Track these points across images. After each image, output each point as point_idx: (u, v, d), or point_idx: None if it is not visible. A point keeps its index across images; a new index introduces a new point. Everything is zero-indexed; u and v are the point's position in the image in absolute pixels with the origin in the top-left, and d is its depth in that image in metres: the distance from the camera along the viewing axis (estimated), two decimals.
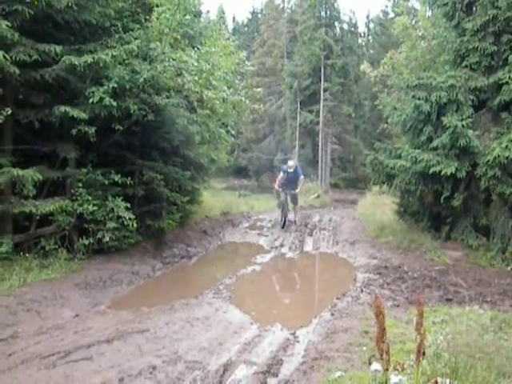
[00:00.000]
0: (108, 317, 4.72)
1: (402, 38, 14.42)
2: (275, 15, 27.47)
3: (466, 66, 7.89)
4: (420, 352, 2.04)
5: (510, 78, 7.13)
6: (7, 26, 5.16)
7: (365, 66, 19.01)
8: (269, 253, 8.50)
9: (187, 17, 7.85)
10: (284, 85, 23.76)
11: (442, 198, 7.60)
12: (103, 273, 6.05)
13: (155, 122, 7.30)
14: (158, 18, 7.26)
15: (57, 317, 4.64)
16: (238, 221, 10.78)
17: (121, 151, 7.36)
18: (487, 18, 7.49)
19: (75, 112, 5.81)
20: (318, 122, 21.22)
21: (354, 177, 23.63)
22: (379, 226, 9.11)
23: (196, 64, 7.48)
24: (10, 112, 5.47)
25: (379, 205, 11.53)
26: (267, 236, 9.64)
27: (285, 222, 10.04)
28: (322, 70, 21.27)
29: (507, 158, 6.67)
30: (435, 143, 7.62)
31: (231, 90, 9.30)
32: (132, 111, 6.49)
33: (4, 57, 5.14)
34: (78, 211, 6.30)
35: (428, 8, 13.13)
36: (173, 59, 7.04)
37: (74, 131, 6.07)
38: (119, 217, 6.41)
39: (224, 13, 28.56)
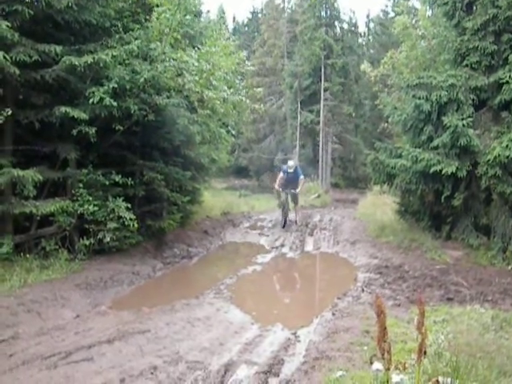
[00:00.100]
0: (109, 317, 4.72)
1: (402, 38, 14.41)
2: (275, 15, 27.47)
3: (467, 66, 7.89)
4: (421, 351, 2.04)
5: (510, 77, 7.11)
6: (7, 26, 5.15)
7: (365, 66, 19.01)
8: (269, 253, 8.50)
9: (187, 17, 7.86)
10: (284, 85, 23.76)
11: (443, 197, 7.59)
12: (104, 273, 6.04)
13: (156, 122, 7.30)
14: (158, 18, 7.26)
15: (57, 317, 4.64)
16: (238, 221, 10.78)
17: (121, 151, 7.36)
18: (487, 17, 7.48)
19: (75, 112, 5.81)
20: (318, 122, 21.21)
21: (355, 176, 23.61)
22: (380, 226, 9.10)
23: (196, 64, 7.48)
24: (10, 112, 5.47)
25: (380, 204, 11.52)
26: (268, 236, 9.64)
27: (285, 221, 10.04)
28: (323, 70, 21.27)
29: (507, 157, 6.66)
30: (436, 142, 7.61)
31: (232, 89, 9.30)
32: (132, 111, 6.49)
33: (4, 57, 5.14)
34: (78, 212, 6.30)
35: (428, 7, 13.13)
36: (173, 59, 7.04)
37: (74, 131, 6.07)
38: (120, 217, 6.41)
39: (224, 13, 28.59)
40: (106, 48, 6.22)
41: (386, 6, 28.77)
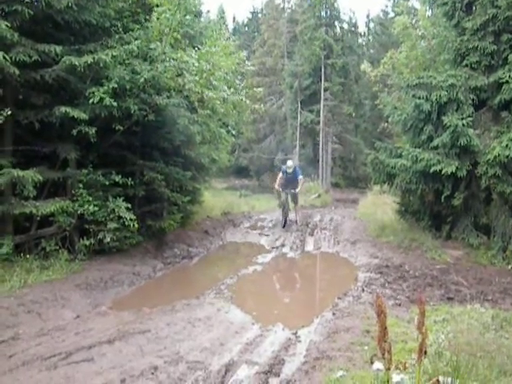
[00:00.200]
0: (109, 318, 4.71)
1: (402, 38, 14.42)
2: (275, 15, 27.47)
3: (466, 65, 7.89)
4: (422, 351, 2.04)
5: (509, 77, 7.12)
6: (7, 26, 5.15)
7: (365, 66, 19.04)
8: (270, 253, 8.50)
9: (187, 17, 7.86)
10: (284, 84, 23.76)
11: (443, 197, 7.59)
12: (104, 273, 6.04)
13: (156, 123, 7.30)
14: (158, 18, 7.26)
15: (58, 318, 4.64)
16: (239, 221, 10.78)
17: (121, 151, 7.36)
18: (487, 17, 7.48)
19: (75, 112, 5.81)
20: (318, 122, 21.21)
21: (355, 176, 23.61)
22: (380, 226, 9.11)
23: (196, 64, 7.47)
24: (9, 113, 5.46)
25: (380, 204, 11.52)
26: (268, 236, 9.64)
27: (286, 221, 10.04)
28: (323, 70, 21.27)
29: (507, 156, 6.67)
30: (436, 142, 7.61)
31: (232, 89, 9.30)
32: (132, 111, 6.48)
33: (4, 57, 5.13)
34: (78, 212, 6.29)
35: (428, 7, 13.15)
36: (173, 59, 7.04)
37: (74, 132, 6.07)
38: (120, 217, 6.41)
39: (224, 13, 28.61)
40: (105, 48, 6.22)
41: (386, 6, 28.86)
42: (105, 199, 6.49)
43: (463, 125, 7.19)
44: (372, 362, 3.04)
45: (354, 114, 22.68)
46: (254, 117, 22.37)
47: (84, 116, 5.87)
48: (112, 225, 6.34)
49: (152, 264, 6.98)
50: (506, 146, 6.74)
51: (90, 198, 6.34)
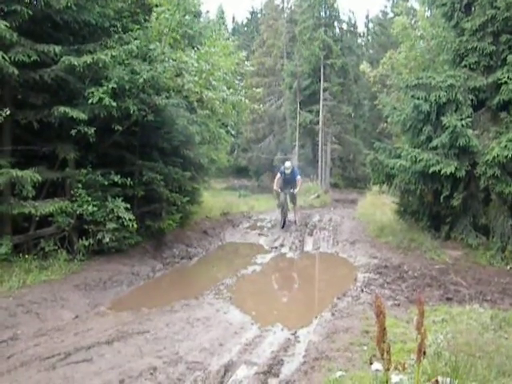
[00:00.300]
0: (108, 318, 4.71)
1: (401, 38, 14.44)
2: (275, 15, 27.48)
3: (465, 66, 7.90)
4: (421, 351, 2.04)
5: (508, 77, 7.13)
6: (6, 26, 5.14)
7: (364, 66, 19.08)
8: (269, 253, 8.50)
9: (187, 17, 7.87)
10: (284, 85, 23.76)
11: (442, 197, 7.60)
12: (103, 274, 6.03)
13: (155, 123, 7.30)
14: (157, 18, 7.26)
15: (56, 318, 4.63)
16: (238, 221, 10.78)
17: (120, 152, 7.35)
18: (486, 18, 7.49)
19: (74, 112, 5.80)
20: (317, 122, 21.22)
21: (354, 176, 23.63)
22: (379, 226, 9.12)
23: (196, 64, 7.48)
24: (8, 112, 5.45)
25: (379, 204, 11.53)
26: (267, 236, 9.64)
27: (285, 221, 10.05)
28: (322, 70, 21.28)
29: (506, 157, 6.68)
30: (435, 143, 7.62)
31: (231, 90, 9.30)
32: (132, 111, 6.48)
33: (3, 57, 5.12)
34: (77, 212, 6.29)
35: (427, 8, 13.18)
36: (172, 59, 7.04)
37: (73, 132, 6.06)
38: (119, 217, 6.40)
39: (223, 13, 28.69)
40: (105, 48, 6.22)
41: (385, 7, 28.92)
42: (104, 199, 6.49)
43: (462, 125, 7.20)
44: (371, 363, 3.04)
45: (353, 115, 22.71)
46: (254, 117, 22.40)
47: (83, 116, 5.86)
48: (111, 225, 6.33)
49: (151, 264, 6.97)
50: (505, 146, 6.75)
51: (89, 198, 6.33)
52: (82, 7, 6.07)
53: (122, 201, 6.55)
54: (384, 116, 10.76)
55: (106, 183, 6.59)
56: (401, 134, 9.71)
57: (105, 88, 6.01)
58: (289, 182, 9.91)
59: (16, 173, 5.32)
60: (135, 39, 6.62)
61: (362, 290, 5.73)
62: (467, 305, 4.75)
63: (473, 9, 7.96)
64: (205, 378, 3.28)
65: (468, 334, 3.53)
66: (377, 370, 2.84)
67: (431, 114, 7.80)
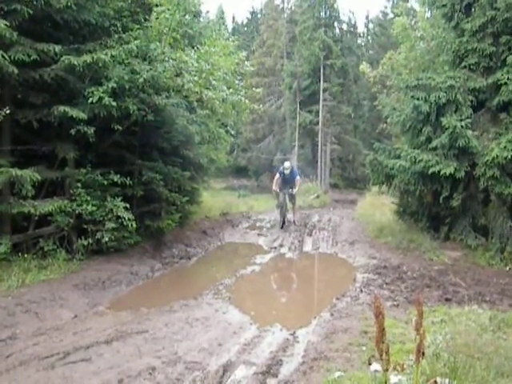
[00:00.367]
0: (107, 318, 4.71)
1: (401, 39, 14.45)
2: (275, 15, 27.49)
3: (465, 67, 7.91)
4: (419, 352, 2.04)
5: (508, 78, 7.14)
6: (6, 25, 5.14)
7: (364, 67, 19.06)
8: (268, 253, 8.50)
9: (187, 17, 7.87)
10: (283, 85, 23.77)
11: (441, 198, 7.61)
12: (102, 273, 6.03)
13: (155, 122, 7.29)
14: (157, 18, 7.26)
15: (55, 318, 4.63)
16: (237, 221, 10.78)
17: (120, 151, 7.35)
18: (486, 19, 7.50)
19: (74, 112, 5.80)
20: (317, 122, 21.22)
21: (354, 177, 23.65)
22: (378, 227, 9.12)
23: (196, 64, 7.48)
24: (8, 112, 5.44)
25: (378, 205, 11.54)
26: (267, 236, 9.64)
27: (284, 222, 10.05)
28: (322, 70, 21.28)
29: (506, 158, 6.69)
30: (434, 143, 7.63)
31: (231, 90, 9.30)
32: (131, 111, 6.48)
33: (3, 56, 5.12)
34: (76, 211, 6.29)
35: (427, 9, 13.15)
36: (172, 59, 7.04)
37: (73, 131, 6.06)
38: (118, 217, 6.40)
39: (224, 13, 28.70)
40: (105, 48, 6.22)
41: (386, 7, 28.90)
42: (103, 199, 6.49)
43: (462, 126, 7.20)
44: (370, 363, 3.04)
45: (352, 115, 22.71)
46: (253, 117, 22.42)
47: (83, 115, 5.86)
48: (110, 224, 6.33)
49: (150, 264, 6.97)
50: (505, 147, 6.75)
51: (89, 198, 6.33)
52: (82, 7, 6.07)
53: (122, 200, 6.55)
54: (384, 116, 10.76)
55: (106, 183, 6.58)
56: (400, 134, 9.72)
57: (105, 87, 6.01)
58: (288, 182, 9.91)
59: (15, 172, 5.32)
60: (135, 39, 6.62)
61: (361, 291, 5.74)
62: (466, 306, 4.75)
63: (473, 10, 7.97)
64: (203, 378, 3.28)
65: (467, 334, 3.53)
66: (375, 371, 2.85)
67: (431, 115, 7.80)
